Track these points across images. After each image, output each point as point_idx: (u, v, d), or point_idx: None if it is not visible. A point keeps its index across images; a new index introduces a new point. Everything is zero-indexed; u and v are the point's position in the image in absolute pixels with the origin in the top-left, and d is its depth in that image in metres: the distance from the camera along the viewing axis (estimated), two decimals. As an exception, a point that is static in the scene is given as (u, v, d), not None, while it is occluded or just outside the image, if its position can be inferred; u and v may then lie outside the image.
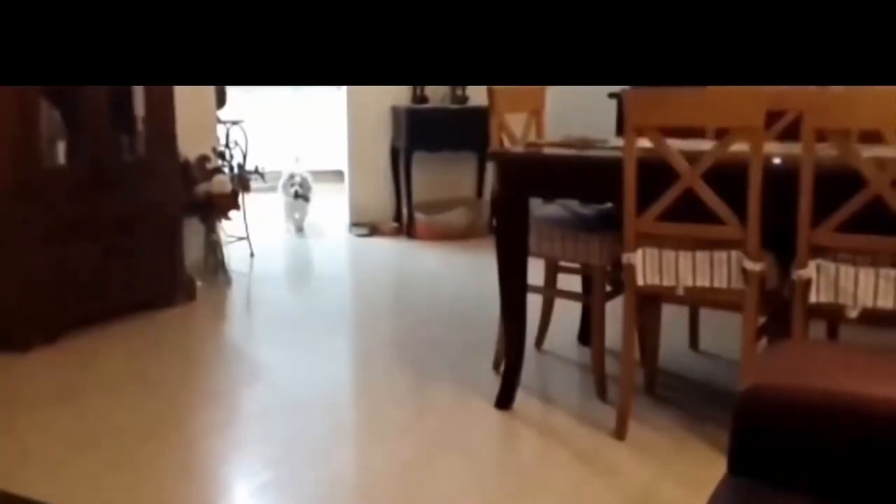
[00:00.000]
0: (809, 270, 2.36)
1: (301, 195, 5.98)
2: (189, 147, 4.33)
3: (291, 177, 6.13)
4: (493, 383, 3.01)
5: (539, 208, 3.21)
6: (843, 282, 2.33)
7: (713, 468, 1.41)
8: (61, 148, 3.63)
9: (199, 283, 4.38)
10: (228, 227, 4.90)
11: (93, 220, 3.71)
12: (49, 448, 2.62)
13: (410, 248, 5.62)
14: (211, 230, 4.62)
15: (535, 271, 3.11)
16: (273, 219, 6.10)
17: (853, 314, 2.34)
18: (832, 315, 2.55)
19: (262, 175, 5.04)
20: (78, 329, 3.67)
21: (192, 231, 4.45)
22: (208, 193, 4.45)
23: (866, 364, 1.50)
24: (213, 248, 4.64)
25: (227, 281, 4.66)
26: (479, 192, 6.09)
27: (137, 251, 3.93)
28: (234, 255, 4.96)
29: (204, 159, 4.52)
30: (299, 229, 6.09)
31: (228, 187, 4.55)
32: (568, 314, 3.54)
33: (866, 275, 2.30)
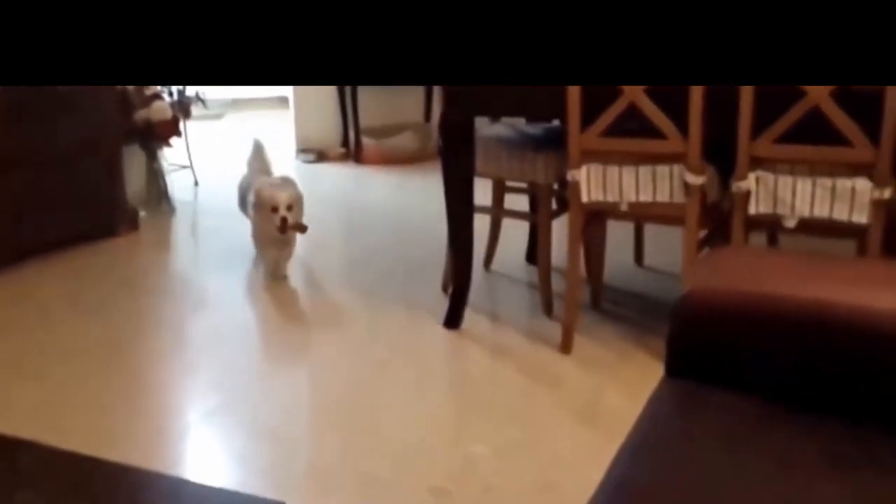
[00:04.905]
0: (749, 182, 2.40)
1: (293, 225, 3.37)
2: (125, 72, 4.19)
3: (262, 195, 3.40)
4: (442, 304, 3.03)
5: (485, 128, 3.19)
6: (782, 192, 2.37)
7: (655, 376, 1.44)
8: (-12, 74, 3.48)
9: (142, 213, 4.30)
10: (171, 155, 4.78)
11: (28, 150, 3.59)
12: (-8, 380, 2.59)
13: (358, 173, 5.57)
14: (152, 158, 4.50)
15: (483, 192, 3.10)
16: (216, 146, 5.98)
17: (791, 224, 2.39)
18: (771, 226, 2.60)
19: (203, 101, 4.91)
20: (17, 262, 3.58)
21: (134, 159, 4.34)
22: (148, 120, 4.33)
23: (800, 268, 1.54)
24: (156, 176, 4.54)
25: (171, 210, 4.58)
26: (427, 116, 6.03)
27: (77, 181, 3.83)
28: (177, 184, 4.86)
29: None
30: (282, 276, 3.51)
31: (169, 114, 4.42)
32: (515, 234, 3.57)
33: (804, 185, 2.34)
